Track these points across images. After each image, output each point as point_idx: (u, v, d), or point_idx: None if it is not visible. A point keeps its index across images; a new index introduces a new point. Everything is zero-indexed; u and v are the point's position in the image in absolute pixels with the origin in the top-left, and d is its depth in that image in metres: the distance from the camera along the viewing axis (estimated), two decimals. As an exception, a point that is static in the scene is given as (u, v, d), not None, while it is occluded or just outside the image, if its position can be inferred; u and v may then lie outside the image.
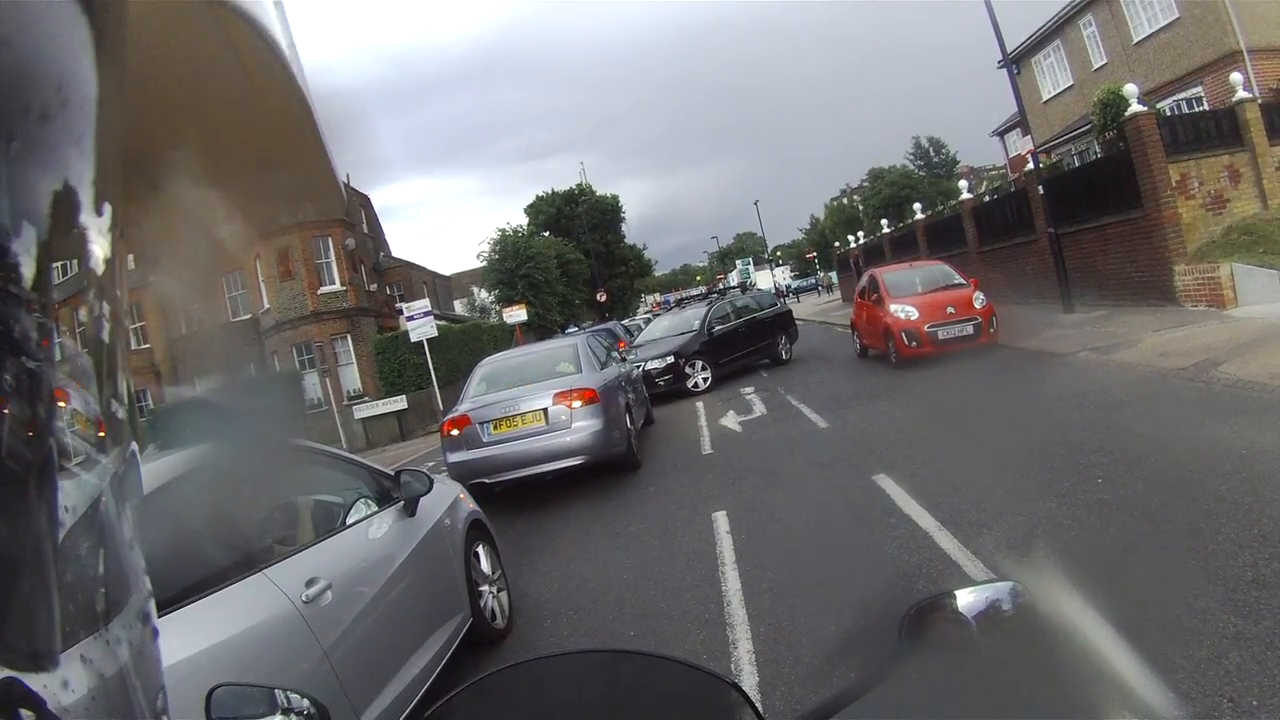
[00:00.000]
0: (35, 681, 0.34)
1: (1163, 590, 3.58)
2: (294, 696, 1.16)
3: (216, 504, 2.32)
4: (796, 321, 18.70)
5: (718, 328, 15.66)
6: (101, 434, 0.42)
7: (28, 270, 0.35)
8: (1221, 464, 5.03)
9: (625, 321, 32.09)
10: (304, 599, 3.03)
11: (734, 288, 22.56)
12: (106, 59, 0.41)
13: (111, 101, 0.41)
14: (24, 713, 0.33)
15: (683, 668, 0.99)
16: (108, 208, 0.42)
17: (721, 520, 6.28)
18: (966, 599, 1.00)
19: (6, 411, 0.34)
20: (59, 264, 0.39)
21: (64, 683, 0.36)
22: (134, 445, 0.47)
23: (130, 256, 0.50)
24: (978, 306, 12.36)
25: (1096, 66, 22.77)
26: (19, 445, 0.35)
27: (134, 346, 27.49)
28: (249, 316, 27.47)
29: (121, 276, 0.45)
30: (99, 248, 0.42)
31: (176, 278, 0.73)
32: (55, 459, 0.37)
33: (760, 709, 0.92)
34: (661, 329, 16.94)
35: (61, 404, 0.39)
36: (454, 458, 8.21)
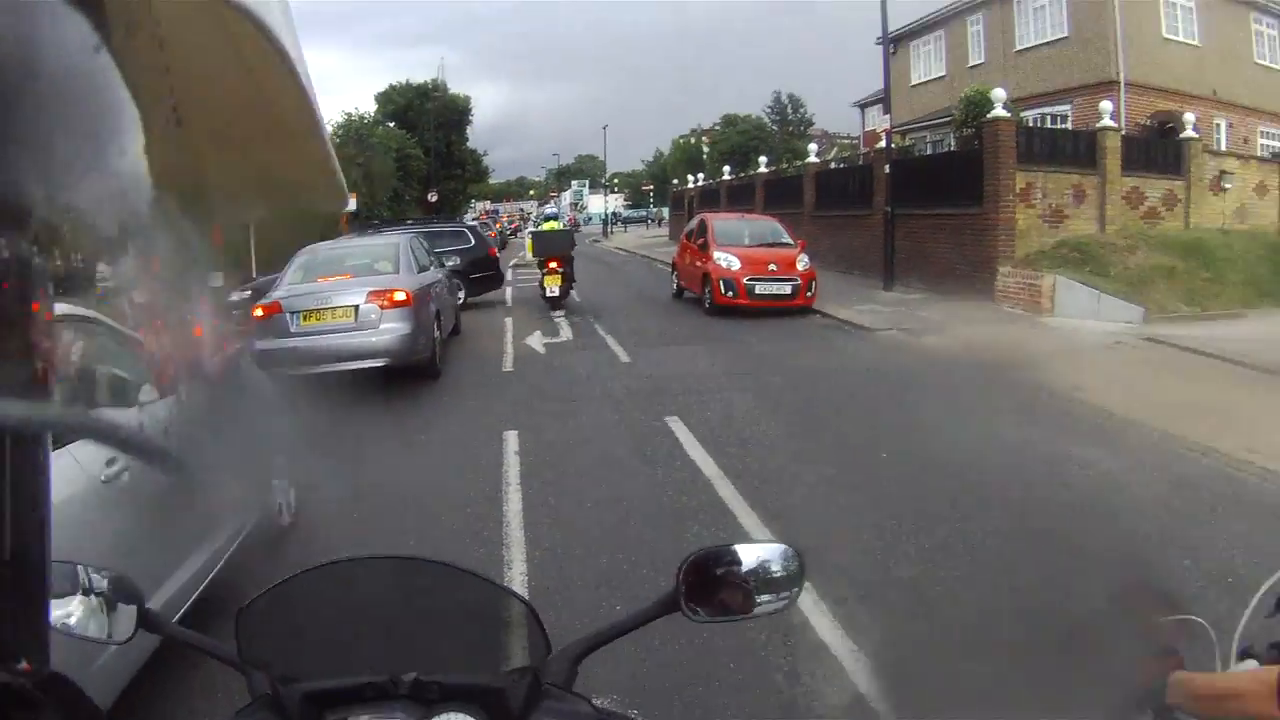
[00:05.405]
0: None
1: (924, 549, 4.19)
2: (95, 576, 1.12)
3: None
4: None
5: None
6: None
7: (31, 271, 0.37)
8: (990, 442, 5.84)
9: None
10: (103, 479, 2.94)
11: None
12: (107, 57, 0.41)
13: (113, 100, 0.42)
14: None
15: (482, 581, 1.05)
16: (109, 208, 0.43)
17: (511, 440, 6.36)
18: (746, 555, 1.07)
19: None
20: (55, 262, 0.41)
21: None
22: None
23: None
24: (800, 268, 12.61)
25: (972, 64, 23.31)
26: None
27: None
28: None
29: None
30: (100, 247, 0.44)
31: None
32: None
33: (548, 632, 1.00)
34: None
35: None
36: (260, 344, 7.87)
